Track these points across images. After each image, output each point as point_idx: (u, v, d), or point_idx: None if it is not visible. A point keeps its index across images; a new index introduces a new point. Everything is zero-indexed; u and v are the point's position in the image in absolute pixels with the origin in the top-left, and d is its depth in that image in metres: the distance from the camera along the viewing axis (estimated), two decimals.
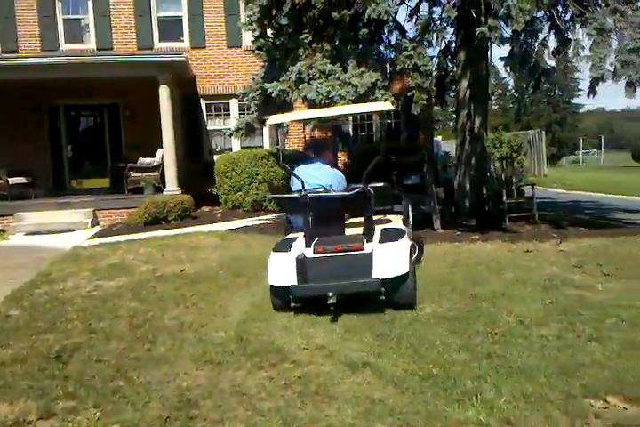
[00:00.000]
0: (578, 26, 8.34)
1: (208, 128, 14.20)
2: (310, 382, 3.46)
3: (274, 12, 7.90)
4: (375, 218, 5.20)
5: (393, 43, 8.92)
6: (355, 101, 8.33)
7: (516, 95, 51.67)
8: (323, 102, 6.87)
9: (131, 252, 7.90)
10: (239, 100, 12.12)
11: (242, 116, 11.66)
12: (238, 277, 6.20)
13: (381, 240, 4.86)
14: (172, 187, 11.77)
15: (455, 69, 9.84)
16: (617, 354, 3.69)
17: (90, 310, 5.20)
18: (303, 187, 5.10)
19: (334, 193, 5.43)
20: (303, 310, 4.81)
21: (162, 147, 11.88)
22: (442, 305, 4.88)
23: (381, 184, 5.74)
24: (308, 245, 4.85)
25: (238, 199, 11.97)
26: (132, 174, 12.47)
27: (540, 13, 8.46)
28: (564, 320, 4.37)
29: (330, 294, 4.50)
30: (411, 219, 6.03)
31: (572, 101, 51.68)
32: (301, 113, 6.14)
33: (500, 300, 4.94)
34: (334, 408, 3.10)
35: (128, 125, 13.74)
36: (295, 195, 5.32)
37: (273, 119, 5.39)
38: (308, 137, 13.86)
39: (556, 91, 47.16)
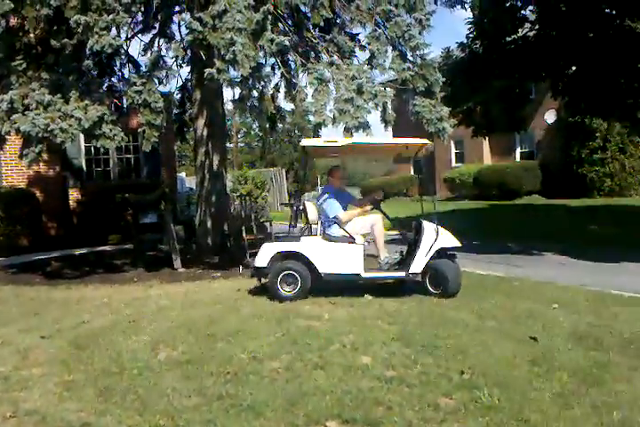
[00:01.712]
0: (303, 74, 9.11)
1: None
2: None
3: None
4: None
5: (126, 76, 8.63)
6: (84, 134, 7.81)
7: (260, 134, 54.38)
8: (42, 136, 6.24)
9: None
10: None
11: None
12: None
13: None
14: None
15: (192, 108, 9.91)
16: (339, 379, 3.92)
17: None
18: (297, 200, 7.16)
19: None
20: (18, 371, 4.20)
21: None
22: (176, 349, 4.70)
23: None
24: None
25: None
26: None
27: (272, 60, 9.05)
28: (293, 351, 4.52)
29: None
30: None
31: None
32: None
33: (235, 337, 4.93)
34: None
35: None
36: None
37: (304, 142, 6.70)
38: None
39: (296, 131, 50.81)
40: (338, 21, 9.12)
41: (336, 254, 6.40)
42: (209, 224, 9.88)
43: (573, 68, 10.70)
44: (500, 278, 7.59)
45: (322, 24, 8.45)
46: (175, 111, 11.12)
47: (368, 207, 6.96)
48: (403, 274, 6.40)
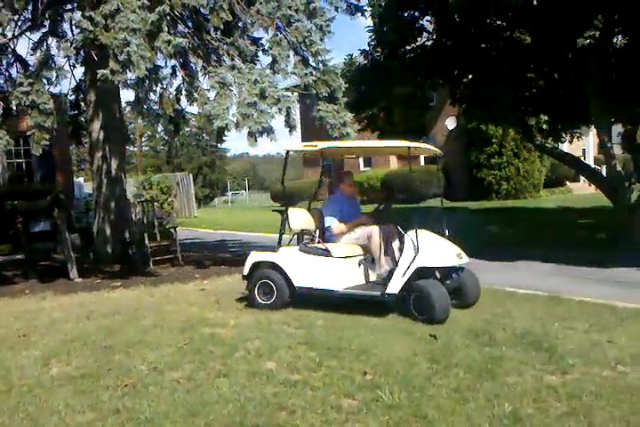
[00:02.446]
0: (204, 77, 8.93)
1: None
2: None
3: None
4: None
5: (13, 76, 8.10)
6: None
7: (166, 137, 52.84)
8: None
9: None
10: None
11: None
12: None
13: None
14: None
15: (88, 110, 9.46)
16: (242, 386, 3.85)
17: None
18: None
19: None
20: None
21: None
22: (70, 363, 4.46)
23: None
24: None
25: None
26: None
27: (174, 62, 8.79)
28: (196, 360, 4.40)
29: None
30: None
31: (220, 146, 55.30)
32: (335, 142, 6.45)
33: (135, 348, 4.73)
34: None
35: None
36: None
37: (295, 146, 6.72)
38: None
39: (204, 135, 49.72)
40: (240, 25, 9.04)
41: (311, 268, 5.98)
42: (108, 232, 9.48)
43: (470, 76, 11.21)
44: None
45: (223, 27, 8.33)
46: (70, 113, 10.58)
47: (362, 220, 6.43)
48: (378, 294, 5.64)
